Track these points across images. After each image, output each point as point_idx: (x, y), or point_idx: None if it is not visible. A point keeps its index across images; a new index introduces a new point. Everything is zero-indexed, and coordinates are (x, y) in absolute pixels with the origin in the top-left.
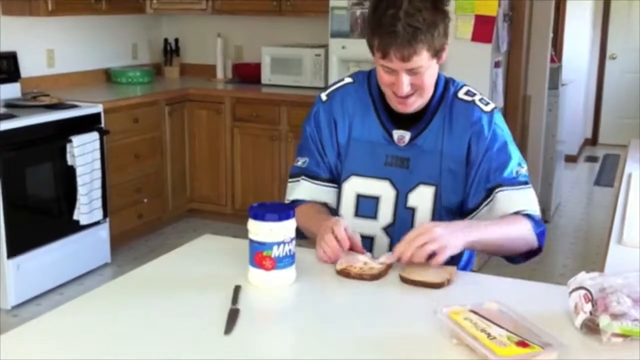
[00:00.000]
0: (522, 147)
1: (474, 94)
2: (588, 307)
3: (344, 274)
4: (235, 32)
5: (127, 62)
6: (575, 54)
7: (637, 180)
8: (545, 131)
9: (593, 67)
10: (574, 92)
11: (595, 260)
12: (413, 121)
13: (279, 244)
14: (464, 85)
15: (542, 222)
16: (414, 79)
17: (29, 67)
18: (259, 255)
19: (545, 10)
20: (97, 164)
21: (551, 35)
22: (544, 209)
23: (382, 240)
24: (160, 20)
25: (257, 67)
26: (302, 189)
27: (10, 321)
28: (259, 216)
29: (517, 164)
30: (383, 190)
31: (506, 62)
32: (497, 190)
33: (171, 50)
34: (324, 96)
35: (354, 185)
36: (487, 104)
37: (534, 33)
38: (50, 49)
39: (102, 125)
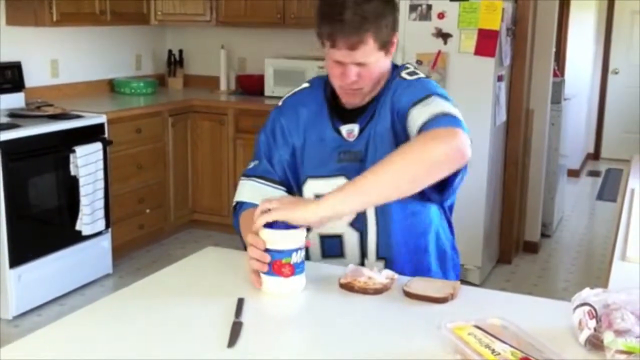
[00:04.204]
0: (525, 161)
1: (406, 68)
2: (592, 323)
3: (348, 287)
4: (239, 44)
5: (131, 72)
6: (578, 69)
7: None
8: (547, 145)
9: (595, 81)
10: (577, 106)
11: (598, 275)
12: (360, 113)
13: (297, 250)
14: (406, 66)
15: (455, 118)
16: (361, 70)
17: (33, 77)
18: (278, 263)
19: (548, 25)
20: (100, 174)
21: (554, 49)
22: (547, 223)
23: (351, 236)
24: (164, 31)
25: (260, 78)
26: (249, 190)
27: (11, 332)
28: (277, 225)
29: (431, 93)
30: None
31: (509, 76)
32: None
33: (175, 62)
34: (280, 103)
35: (311, 188)
36: (413, 74)
37: (536, 47)
38: (55, 59)
39: (106, 135)
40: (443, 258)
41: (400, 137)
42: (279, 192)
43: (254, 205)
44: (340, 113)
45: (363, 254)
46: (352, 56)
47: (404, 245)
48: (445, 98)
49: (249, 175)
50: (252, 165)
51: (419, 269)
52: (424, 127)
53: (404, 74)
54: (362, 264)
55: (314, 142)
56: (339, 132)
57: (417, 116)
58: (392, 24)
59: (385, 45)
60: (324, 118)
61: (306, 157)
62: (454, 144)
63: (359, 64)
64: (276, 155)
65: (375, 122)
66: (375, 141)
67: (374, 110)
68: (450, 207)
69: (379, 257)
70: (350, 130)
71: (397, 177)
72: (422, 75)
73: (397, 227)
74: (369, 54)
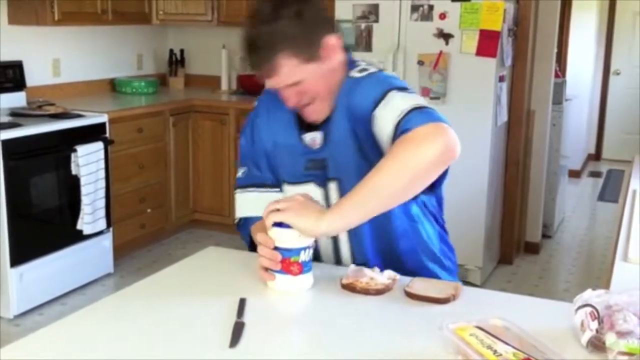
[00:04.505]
0: (526, 162)
1: (356, 66)
2: (594, 324)
3: (349, 288)
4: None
5: (132, 72)
6: (580, 70)
7: None
8: (549, 146)
9: (597, 82)
10: (578, 107)
11: (598, 276)
12: (323, 120)
13: (305, 249)
14: (357, 64)
15: (429, 110)
16: (301, 88)
17: (34, 76)
18: (287, 262)
19: (550, 26)
20: (102, 174)
21: (555, 50)
22: (547, 224)
23: (325, 242)
24: (165, 31)
25: None
26: (249, 202)
27: (12, 331)
28: (286, 224)
29: (388, 88)
30: (311, 193)
31: (510, 76)
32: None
33: (176, 61)
34: (255, 102)
35: (287, 192)
36: (363, 71)
37: (538, 48)
38: (56, 58)
39: (107, 135)
40: (433, 258)
41: (363, 140)
42: (277, 195)
43: (260, 218)
44: (302, 119)
45: (337, 260)
46: (278, 81)
47: (380, 250)
48: (404, 89)
49: (242, 185)
50: (240, 173)
51: (410, 272)
52: (401, 128)
53: (353, 73)
54: None
55: (283, 147)
56: (303, 140)
57: (385, 118)
58: (317, 31)
59: (313, 56)
60: (291, 124)
61: (279, 162)
62: (444, 140)
63: (294, 84)
64: (258, 158)
65: (334, 128)
66: (335, 147)
67: (332, 116)
68: (439, 202)
69: (357, 265)
70: (313, 138)
71: (392, 186)
72: (372, 69)
73: (370, 233)
74: (295, 73)
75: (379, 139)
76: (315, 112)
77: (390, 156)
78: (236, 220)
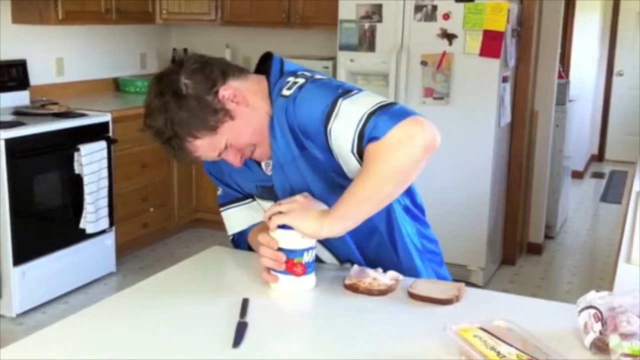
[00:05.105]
0: (529, 163)
1: (286, 84)
2: (598, 326)
3: (352, 288)
4: (244, 43)
5: (136, 71)
6: (583, 70)
7: None
8: (552, 146)
9: (600, 83)
10: (581, 108)
11: (601, 277)
12: None
13: (308, 249)
14: (285, 82)
15: (392, 108)
16: (234, 147)
17: (38, 75)
18: (290, 263)
19: (553, 26)
20: (105, 173)
21: (559, 51)
22: (550, 225)
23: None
24: (169, 30)
25: None
26: (235, 217)
27: (15, 329)
28: (289, 225)
29: (335, 97)
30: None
31: (514, 77)
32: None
33: None
34: None
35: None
36: (292, 86)
37: (542, 49)
38: (60, 57)
39: (110, 134)
40: (416, 251)
41: (319, 157)
42: (257, 204)
43: (254, 225)
44: None
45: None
46: (205, 157)
47: (359, 249)
48: (349, 91)
49: (223, 204)
50: (219, 192)
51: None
52: (368, 136)
53: (284, 92)
54: None
55: (240, 169)
56: (259, 163)
57: (342, 130)
58: (206, 96)
59: (219, 121)
60: None
61: (238, 181)
62: (422, 135)
63: (224, 150)
64: (227, 180)
65: (278, 153)
66: (283, 172)
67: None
68: (410, 195)
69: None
70: (268, 163)
71: (383, 191)
72: (301, 81)
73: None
74: (214, 144)
75: (338, 153)
76: (264, 154)
77: (376, 161)
78: (230, 238)
